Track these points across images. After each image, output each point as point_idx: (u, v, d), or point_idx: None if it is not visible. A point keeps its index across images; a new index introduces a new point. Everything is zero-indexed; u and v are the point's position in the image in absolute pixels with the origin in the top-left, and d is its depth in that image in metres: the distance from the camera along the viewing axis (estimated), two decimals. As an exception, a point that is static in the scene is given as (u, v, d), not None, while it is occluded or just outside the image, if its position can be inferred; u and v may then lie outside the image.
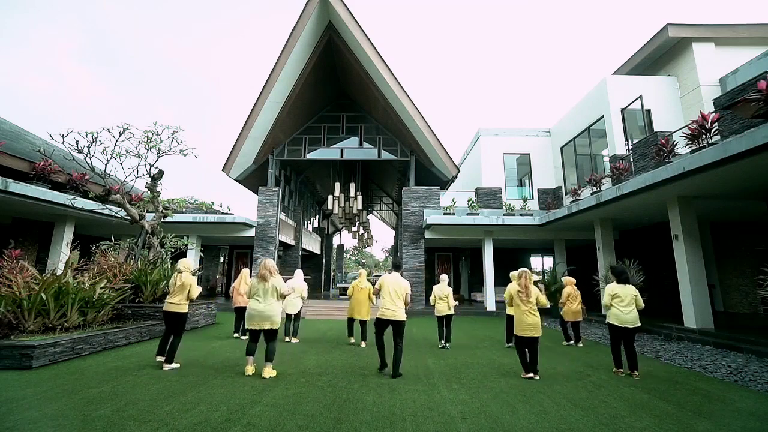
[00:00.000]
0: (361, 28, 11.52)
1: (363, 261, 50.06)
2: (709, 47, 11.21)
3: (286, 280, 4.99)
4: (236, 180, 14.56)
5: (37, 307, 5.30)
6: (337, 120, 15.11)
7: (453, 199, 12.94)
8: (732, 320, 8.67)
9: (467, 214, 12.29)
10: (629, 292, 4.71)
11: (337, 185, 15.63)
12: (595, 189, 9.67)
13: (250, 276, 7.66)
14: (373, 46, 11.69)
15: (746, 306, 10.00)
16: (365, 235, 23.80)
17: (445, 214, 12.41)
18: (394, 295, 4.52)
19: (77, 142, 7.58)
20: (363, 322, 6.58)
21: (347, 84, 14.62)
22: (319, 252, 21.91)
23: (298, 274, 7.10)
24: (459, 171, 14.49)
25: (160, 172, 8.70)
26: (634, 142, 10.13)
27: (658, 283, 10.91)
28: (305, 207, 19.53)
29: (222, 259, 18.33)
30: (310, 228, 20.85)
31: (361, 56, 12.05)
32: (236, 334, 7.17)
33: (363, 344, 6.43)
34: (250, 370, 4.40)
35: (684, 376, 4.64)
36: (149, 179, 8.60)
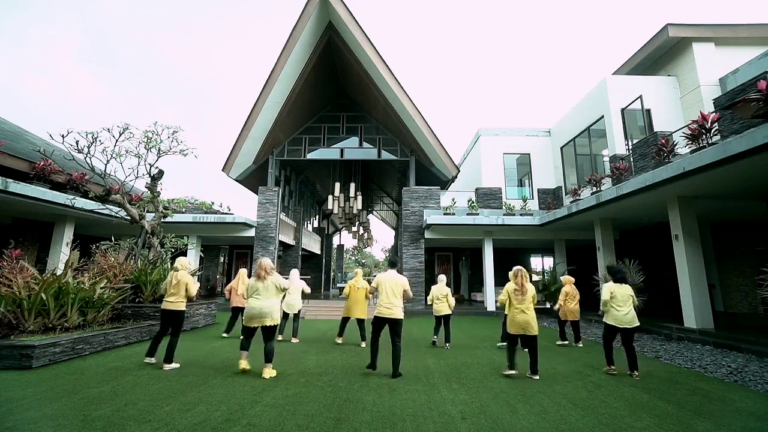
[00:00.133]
0: (361, 28, 11.52)
1: (363, 261, 50.07)
2: (709, 47, 11.21)
3: None
4: (236, 180, 14.56)
5: (37, 307, 5.30)
6: (337, 120, 15.11)
7: (453, 199, 12.94)
8: (732, 320, 8.67)
9: (467, 214, 12.28)
10: (625, 291, 4.72)
11: (337, 185, 15.63)
12: (595, 189, 9.67)
13: (248, 276, 7.66)
14: (373, 46, 11.69)
15: (746, 306, 10.01)
16: (365, 235, 23.81)
17: (445, 214, 12.41)
18: (390, 294, 4.53)
19: (77, 142, 7.58)
20: (361, 321, 6.59)
21: (347, 84, 14.62)
22: (319, 252, 21.91)
23: (294, 273, 7.12)
24: (459, 171, 14.49)
25: (160, 172, 8.70)
26: (634, 142, 10.13)
27: (658, 283, 10.91)
28: (305, 207, 19.54)
29: (222, 259, 18.33)
30: (310, 228, 20.85)
31: (361, 56, 12.05)
32: (224, 334, 7.17)
33: (363, 344, 6.42)
34: (243, 363, 4.40)
35: (684, 376, 4.64)
36: (149, 179, 8.60)
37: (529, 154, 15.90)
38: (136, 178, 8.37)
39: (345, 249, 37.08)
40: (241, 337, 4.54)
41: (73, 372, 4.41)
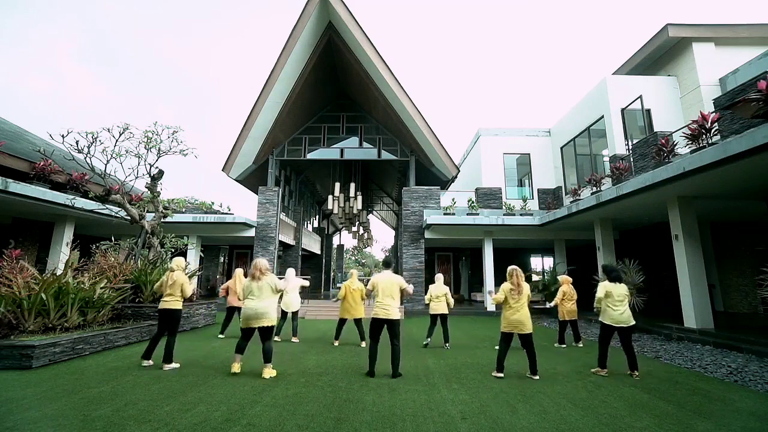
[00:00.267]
0: (361, 28, 11.52)
1: (363, 261, 50.08)
2: (709, 47, 11.21)
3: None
4: (236, 180, 14.56)
5: (37, 307, 5.30)
6: (337, 120, 15.11)
7: (453, 199, 12.94)
8: (732, 320, 8.67)
9: (467, 214, 12.29)
10: (621, 290, 4.72)
11: (337, 185, 15.63)
12: (595, 189, 9.67)
13: (245, 276, 7.66)
14: (373, 46, 11.69)
15: (746, 306, 10.00)
16: (365, 235, 23.83)
17: (445, 214, 12.41)
18: (387, 294, 4.52)
19: (77, 142, 7.58)
20: (358, 321, 6.59)
21: (347, 84, 14.62)
22: (319, 252, 21.91)
23: (290, 272, 7.09)
24: (459, 171, 14.50)
25: (160, 172, 8.70)
26: (634, 142, 10.13)
27: (658, 283, 10.91)
28: (305, 207, 19.54)
29: (222, 259, 18.33)
30: (310, 228, 20.85)
31: (361, 56, 12.05)
32: (220, 335, 7.17)
33: (363, 344, 6.43)
34: (236, 367, 4.40)
35: (684, 376, 4.64)
36: (149, 179, 8.60)
37: (529, 154, 15.90)
38: (136, 178, 8.38)
39: (345, 249, 37.11)
40: (239, 339, 4.54)
41: (73, 372, 4.41)
